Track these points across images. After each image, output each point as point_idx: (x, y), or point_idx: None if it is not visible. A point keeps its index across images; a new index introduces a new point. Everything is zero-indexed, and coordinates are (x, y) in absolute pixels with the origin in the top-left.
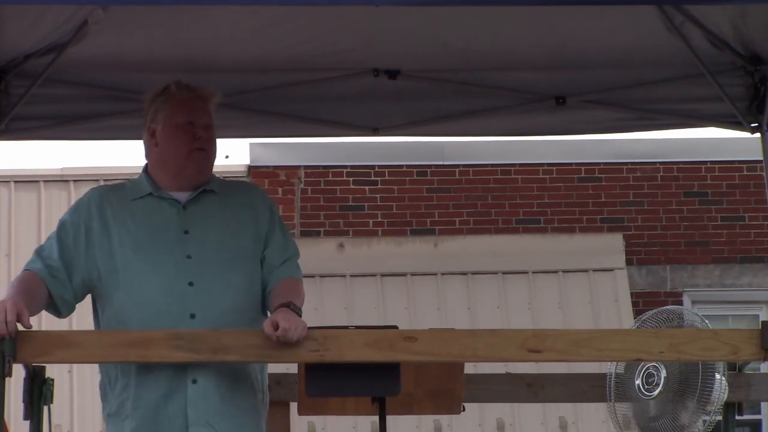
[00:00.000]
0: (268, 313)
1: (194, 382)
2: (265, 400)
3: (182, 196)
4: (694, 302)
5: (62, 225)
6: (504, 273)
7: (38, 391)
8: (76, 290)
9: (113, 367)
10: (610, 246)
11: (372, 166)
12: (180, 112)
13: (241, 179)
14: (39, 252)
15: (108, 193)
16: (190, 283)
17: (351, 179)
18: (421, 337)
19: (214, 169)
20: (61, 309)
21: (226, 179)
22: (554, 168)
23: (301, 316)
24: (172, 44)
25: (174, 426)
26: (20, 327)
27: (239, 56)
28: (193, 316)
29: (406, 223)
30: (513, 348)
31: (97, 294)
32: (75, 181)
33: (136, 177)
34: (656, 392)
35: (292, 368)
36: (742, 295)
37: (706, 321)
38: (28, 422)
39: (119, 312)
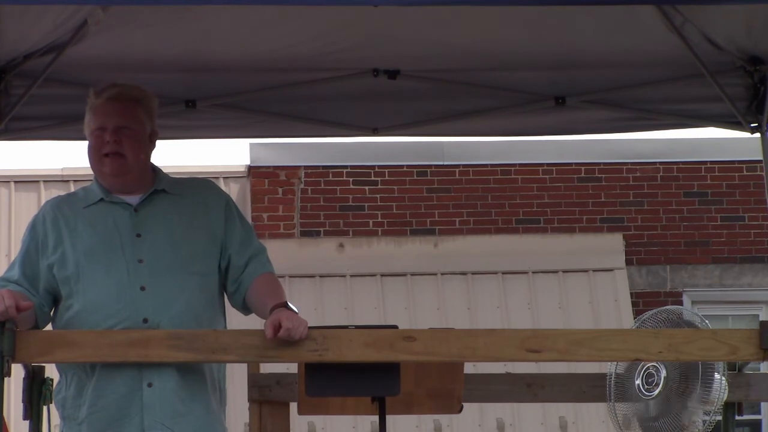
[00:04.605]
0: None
1: (149, 385)
2: (223, 399)
3: (133, 198)
4: (694, 302)
5: (22, 245)
6: (504, 273)
7: (38, 391)
8: (46, 300)
9: (70, 370)
10: (610, 246)
11: (372, 166)
12: (93, 119)
13: (200, 178)
14: (4, 278)
15: (60, 204)
16: (142, 288)
17: (351, 179)
18: (420, 337)
19: (214, 169)
20: (39, 320)
21: (180, 177)
22: (554, 168)
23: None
24: (172, 44)
25: (130, 430)
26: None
27: (239, 56)
28: (145, 320)
29: (406, 223)
30: (512, 348)
31: (57, 305)
32: (75, 181)
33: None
34: (656, 392)
35: (292, 368)
36: (742, 295)
37: (706, 321)
38: (27, 422)
39: (72, 318)
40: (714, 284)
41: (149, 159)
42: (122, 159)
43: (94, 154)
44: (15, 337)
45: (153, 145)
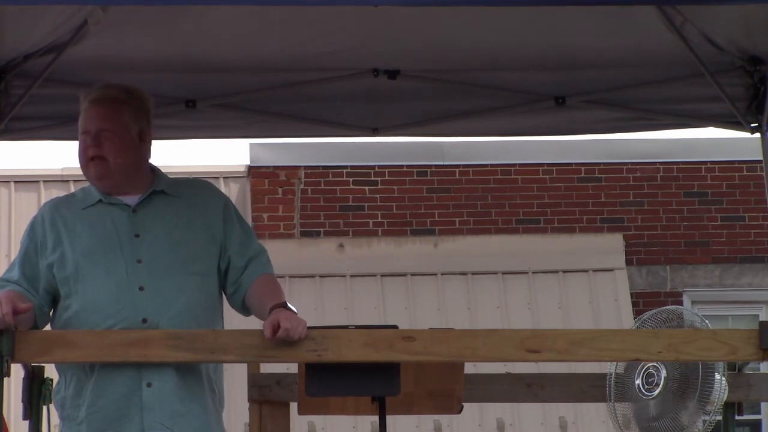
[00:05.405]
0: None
1: (149, 385)
2: (221, 402)
3: (132, 199)
4: (694, 302)
5: (21, 246)
6: (504, 273)
7: (37, 391)
8: (46, 301)
9: (69, 370)
10: (610, 246)
11: (372, 166)
12: (80, 123)
13: (201, 178)
14: (3, 278)
15: (59, 205)
16: (141, 288)
17: (351, 179)
18: (420, 337)
19: (214, 169)
20: (38, 320)
21: (179, 178)
22: (554, 168)
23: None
24: (172, 44)
25: (129, 430)
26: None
27: (239, 56)
28: (144, 320)
29: (406, 223)
30: (512, 348)
31: (56, 305)
32: (75, 181)
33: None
34: (656, 392)
35: (292, 368)
36: (742, 295)
37: (706, 321)
38: (27, 422)
39: (71, 318)
40: (714, 284)
41: (142, 159)
42: (104, 162)
43: (81, 158)
44: (14, 337)
45: (145, 144)
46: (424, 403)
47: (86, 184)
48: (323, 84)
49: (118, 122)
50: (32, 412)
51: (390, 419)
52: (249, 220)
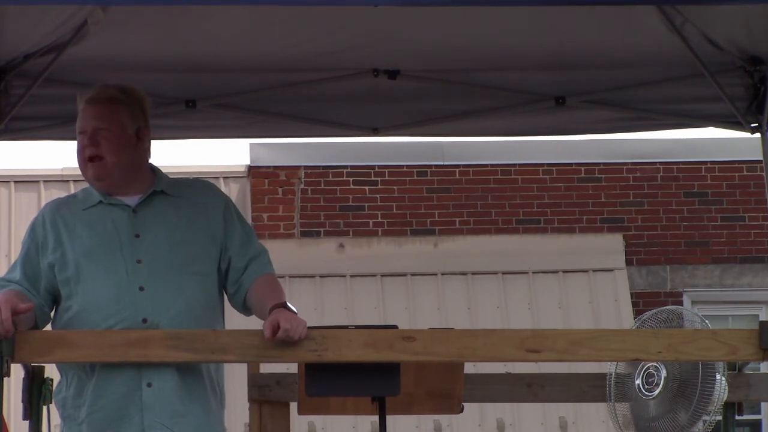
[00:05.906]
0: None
1: (149, 385)
2: (222, 401)
3: (132, 200)
4: (694, 302)
5: (22, 247)
6: (504, 273)
7: (37, 391)
8: (47, 301)
9: (70, 370)
10: (610, 246)
11: (372, 166)
12: (78, 124)
13: (203, 178)
14: (5, 278)
15: (60, 206)
16: (141, 288)
17: (351, 179)
18: (420, 337)
19: (214, 169)
20: (39, 320)
21: (179, 178)
22: (554, 168)
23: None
24: (172, 44)
25: (130, 430)
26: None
27: (239, 56)
28: (144, 320)
29: (406, 223)
30: (512, 348)
31: (57, 305)
32: (75, 181)
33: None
34: (656, 392)
35: (292, 368)
36: (742, 295)
37: (706, 321)
38: (27, 422)
39: (72, 319)
40: (714, 284)
41: (141, 158)
42: (101, 161)
43: (79, 159)
44: (15, 337)
45: (143, 143)
46: (424, 403)
47: (86, 184)
48: (323, 84)
49: (115, 121)
50: (32, 412)
51: (390, 419)
52: (249, 220)
